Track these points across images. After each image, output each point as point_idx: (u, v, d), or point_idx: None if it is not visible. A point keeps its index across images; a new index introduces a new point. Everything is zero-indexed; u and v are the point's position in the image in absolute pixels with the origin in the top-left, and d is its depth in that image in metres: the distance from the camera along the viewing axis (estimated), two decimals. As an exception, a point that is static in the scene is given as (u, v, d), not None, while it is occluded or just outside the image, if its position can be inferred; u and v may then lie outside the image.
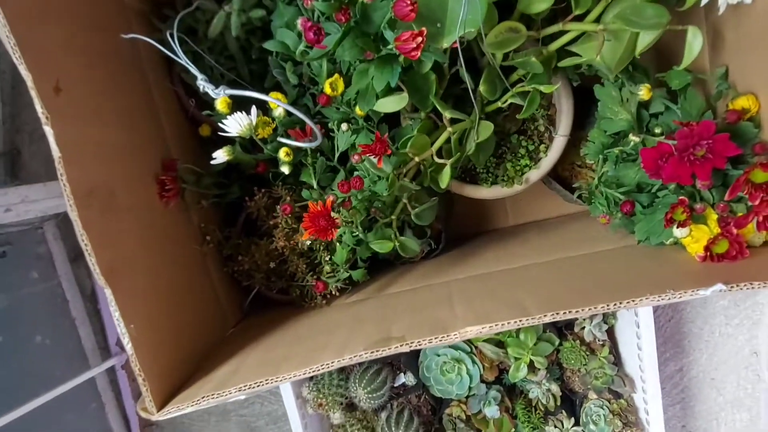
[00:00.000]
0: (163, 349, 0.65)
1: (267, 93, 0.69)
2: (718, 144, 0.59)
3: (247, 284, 0.84)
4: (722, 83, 0.68)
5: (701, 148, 0.59)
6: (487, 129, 0.72)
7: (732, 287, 0.54)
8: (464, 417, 0.92)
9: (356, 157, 0.69)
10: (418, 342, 0.58)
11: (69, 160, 0.55)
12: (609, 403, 0.90)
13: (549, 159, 0.80)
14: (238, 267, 0.82)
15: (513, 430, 0.91)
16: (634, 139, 0.68)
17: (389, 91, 0.68)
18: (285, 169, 0.76)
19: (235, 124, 0.69)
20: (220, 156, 0.72)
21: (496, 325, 0.58)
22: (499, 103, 0.72)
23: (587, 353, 0.90)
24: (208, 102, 0.72)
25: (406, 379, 0.92)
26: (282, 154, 0.74)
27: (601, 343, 0.91)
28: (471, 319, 0.60)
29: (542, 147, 0.81)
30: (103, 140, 0.64)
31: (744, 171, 0.60)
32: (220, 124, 0.69)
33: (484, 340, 0.89)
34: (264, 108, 0.73)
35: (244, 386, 0.59)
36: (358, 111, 0.74)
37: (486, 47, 0.62)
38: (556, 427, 0.90)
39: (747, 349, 1.06)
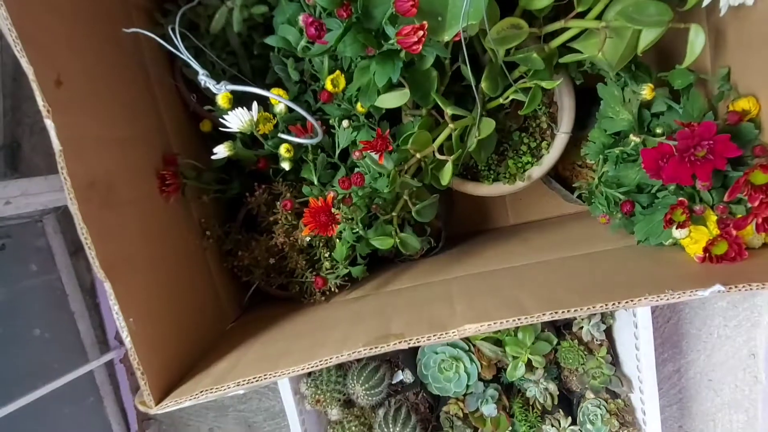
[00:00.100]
0: (161, 343, 0.65)
1: (268, 89, 0.69)
2: (718, 145, 0.59)
3: (247, 280, 0.84)
4: (724, 84, 0.68)
5: (702, 148, 0.59)
6: (488, 126, 0.72)
7: (730, 288, 0.54)
8: (461, 415, 0.92)
9: (357, 153, 0.69)
10: (417, 339, 0.58)
11: (69, 153, 0.55)
12: (606, 402, 0.90)
13: (551, 156, 0.80)
14: (237, 262, 0.82)
15: (510, 428, 0.91)
16: (634, 139, 0.68)
17: (391, 87, 0.68)
18: (286, 166, 0.76)
19: (236, 120, 0.69)
20: (221, 151, 0.72)
21: (494, 323, 0.58)
22: (500, 100, 0.72)
23: (585, 353, 0.90)
24: (209, 97, 0.72)
25: (404, 376, 0.92)
26: (283, 150, 0.74)
27: (599, 343, 0.91)
28: (470, 317, 0.60)
29: (544, 144, 0.81)
30: (103, 134, 0.64)
31: (744, 172, 0.60)
32: (221, 120, 0.69)
33: (483, 339, 0.89)
34: (265, 104, 0.73)
35: (243, 381, 0.59)
36: (359, 108, 0.74)
37: (488, 43, 0.62)
38: (553, 426, 0.90)
39: (745, 350, 1.06)
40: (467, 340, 0.90)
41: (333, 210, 0.70)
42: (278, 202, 0.78)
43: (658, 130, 0.69)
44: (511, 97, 0.71)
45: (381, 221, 0.74)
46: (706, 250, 0.62)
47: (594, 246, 0.78)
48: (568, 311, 0.57)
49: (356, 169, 0.75)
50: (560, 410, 0.92)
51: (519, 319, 0.57)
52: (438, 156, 0.72)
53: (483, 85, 0.69)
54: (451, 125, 0.71)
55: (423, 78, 0.69)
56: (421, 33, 0.58)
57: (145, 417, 1.17)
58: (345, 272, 0.80)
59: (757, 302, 1.03)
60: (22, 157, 1.02)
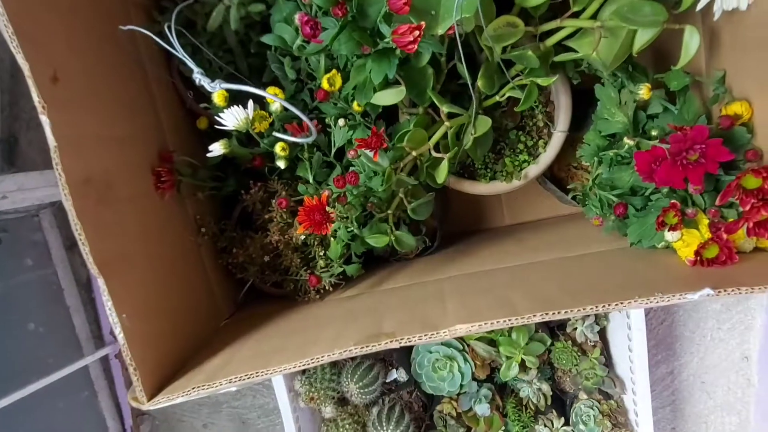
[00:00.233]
0: (155, 339, 0.65)
1: (265, 87, 0.69)
2: (710, 149, 0.59)
3: (242, 277, 0.84)
4: (719, 87, 0.69)
5: (694, 152, 0.59)
6: (484, 124, 0.72)
7: (720, 292, 0.54)
8: (455, 414, 0.92)
9: (352, 152, 0.69)
10: (408, 338, 0.59)
11: (65, 149, 0.55)
12: (599, 403, 0.91)
13: (548, 155, 0.80)
14: (232, 259, 0.82)
15: (503, 428, 0.91)
16: (628, 142, 0.68)
17: (387, 84, 0.68)
18: (281, 164, 0.76)
19: (232, 118, 0.69)
20: (216, 149, 0.72)
21: (485, 323, 0.58)
22: (497, 98, 0.73)
23: (579, 354, 0.90)
24: (205, 95, 0.72)
25: (399, 375, 0.92)
26: (278, 148, 0.74)
27: (592, 344, 0.92)
28: (461, 317, 0.60)
29: (541, 142, 0.81)
30: (99, 131, 0.64)
31: (736, 177, 0.60)
32: (216, 118, 0.70)
33: (477, 339, 0.90)
34: (261, 102, 0.73)
35: (235, 378, 0.60)
36: (356, 107, 0.74)
37: (484, 41, 0.62)
38: (546, 426, 0.91)
39: (738, 353, 1.07)
40: (461, 339, 0.91)
41: (327, 208, 0.70)
42: (273, 200, 0.78)
43: (654, 133, 0.69)
44: (507, 95, 0.72)
45: (376, 219, 0.74)
46: (697, 253, 0.63)
47: (588, 247, 0.78)
48: (560, 312, 0.57)
49: (351, 168, 0.75)
50: (553, 411, 0.92)
51: (510, 320, 0.58)
52: (434, 154, 0.72)
53: (479, 82, 0.69)
54: (446, 123, 0.71)
55: (419, 76, 0.70)
56: (417, 33, 0.58)
57: (139, 412, 1.18)
58: (339, 271, 0.80)
59: (751, 305, 1.04)
60: (19, 152, 1.02)
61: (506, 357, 0.88)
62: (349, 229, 0.74)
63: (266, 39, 0.74)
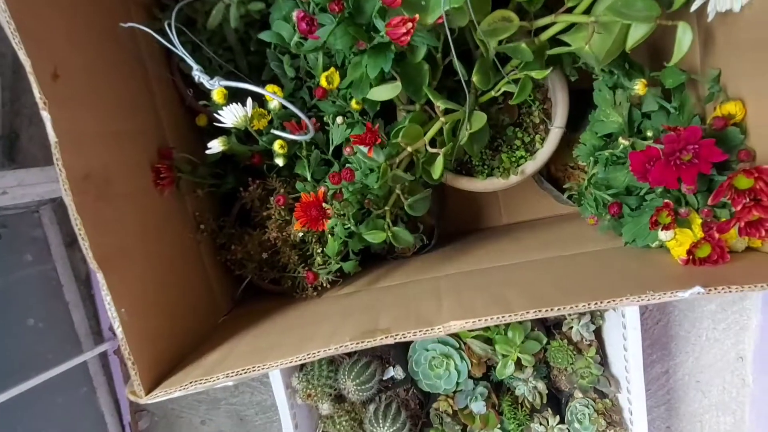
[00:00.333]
0: (153, 334, 0.66)
1: (264, 85, 0.70)
2: (704, 149, 0.60)
3: (240, 273, 0.85)
4: (714, 85, 0.69)
5: (687, 153, 0.60)
6: (479, 119, 0.72)
7: (710, 290, 0.55)
8: (451, 412, 0.93)
9: (348, 149, 0.70)
10: (403, 334, 0.59)
11: (65, 145, 0.56)
12: (594, 402, 0.91)
13: (545, 151, 0.80)
14: (231, 256, 0.83)
15: (499, 426, 0.92)
16: (623, 142, 0.69)
17: (383, 80, 0.69)
18: (279, 161, 0.77)
19: (231, 116, 0.69)
20: (216, 146, 0.73)
21: (479, 320, 0.58)
22: (492, 93, 0.73)
23: (574, 353, 0.91)
24: (205, 92, 0.72)
25: (395, 372, 0.93)
26: (277, 146, 0.75)
27: (588, 343, 0.92)
28: (456, 314, 0.60)
29: (537, 138, 0.82)
30: (100, 127, 0.65)
31: (728, 177, 0.61)
32: (216, 115, 0.70)
33: (473, 337, 0.90)
34: (260, 100, 0.73)
35: (232, 372, 0.60)
36: (354, 104, 0.75)
37: (478, 36, 0.63)
38: (541, 424, 0.91)
39: (733, 353, 1.07)
40: (458, 337, 0.91)
41: (324, 205, 0.71)
42: (272, 198, 0.79)
43: (649, 133, 0.69)
44: (503, 90, 0.72)
45: (373, 216, 0.75)
46: (689, 252, 0.63)
47: (583, 247, 0.79)
48: (553, 309, 0.58)
49: (348, 165, 0.76)
50: (549, 409, 0.93)
51: (504, 317, 0.58)
52: (430, 149, 0.72)
53: (474, 78, 0.69)
54: (442, 119, 0.71)
55: (415, 72, 0.70)
56: (410, 25, 0.59)
57: (137, 408, 1.18)
58: (337, 267, 0.81)
59: (746, 305, 1.04)
60: (20, 148, 1.02)
61: (502, 355, 0.88)
62: (346, 226, 0.75)
63: (264, 36, 0.74)
